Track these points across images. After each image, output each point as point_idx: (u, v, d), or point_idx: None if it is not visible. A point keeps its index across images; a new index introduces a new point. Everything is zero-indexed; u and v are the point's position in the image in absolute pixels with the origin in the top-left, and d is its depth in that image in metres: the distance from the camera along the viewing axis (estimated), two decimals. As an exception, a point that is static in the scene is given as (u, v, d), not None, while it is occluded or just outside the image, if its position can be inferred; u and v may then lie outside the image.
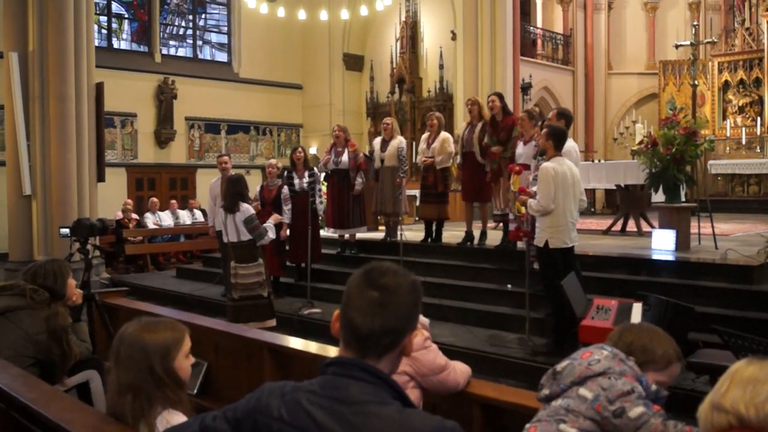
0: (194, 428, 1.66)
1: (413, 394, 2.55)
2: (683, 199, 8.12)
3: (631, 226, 10.02)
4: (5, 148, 10.46)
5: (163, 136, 16.20)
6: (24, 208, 9.98)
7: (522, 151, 7.32)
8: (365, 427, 1.44)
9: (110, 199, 13.46)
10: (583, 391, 1.96)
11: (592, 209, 15.39)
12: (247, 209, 6.82)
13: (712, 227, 8.01)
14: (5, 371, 2.95)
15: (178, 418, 2.17)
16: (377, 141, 9.27)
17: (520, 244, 7.56)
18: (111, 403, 2.33)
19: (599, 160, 15.22)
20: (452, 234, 9.20)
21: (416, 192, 9.45)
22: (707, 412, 1.50)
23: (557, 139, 5.84)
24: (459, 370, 2.78)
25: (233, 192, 6.85)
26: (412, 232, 9.69)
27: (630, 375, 1.87)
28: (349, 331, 1.53)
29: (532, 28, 17.68)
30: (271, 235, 6.93)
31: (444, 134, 8.70)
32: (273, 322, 7.06)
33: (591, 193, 14.76)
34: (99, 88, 10.62)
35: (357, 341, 1.53)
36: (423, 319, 2.66)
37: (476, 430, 2.40)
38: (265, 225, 6.91)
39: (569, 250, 5.93)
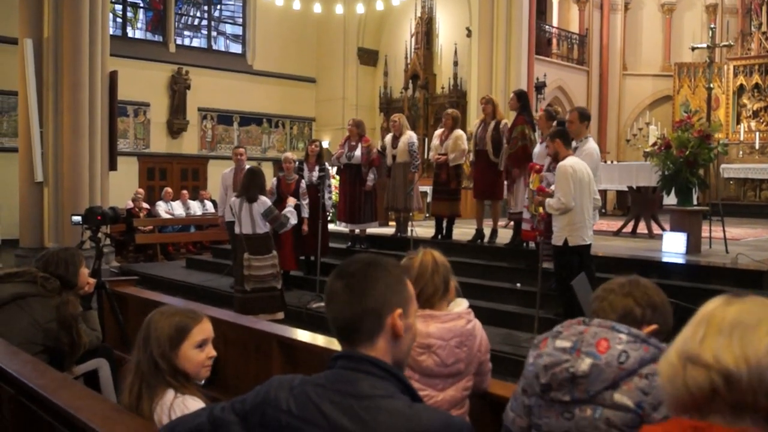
0: (202, 419, 1.67)
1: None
2: (695, 202, 8.09)
3: (642, 228, 9.98)
4: (18, 135, 10.51)
5: (175, 127, 16.22)
6: (35, 194, 10.02)
7: (537, 150, 7.32)
8: (374, 421, 1.44)
9: (121, 188, 13.51)
10: (619, 396, 1.78)
11: (603, 210, 15.30)
12: (264, 201, 6.90)
13: (723, 231, 7.97)
14: (15, 357, 2.96)
15: (196, 404, 2.17)
16: (388, 137, 9.27)
17: (532, 243, 7.55)
18: (122, 384, 2.35)
19: (611, 161, 15.14)
20: (463, 231, 9.19)
21: (429, 188, 9.43)
22: (674, 367, 1.09)
23: (564, 137, 5.87)
24: None
25: (255, 184, 6.94)
26: (423, 228, 9.68)
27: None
28: (332, 323, 1.57)
29: (547, 26, 17.59)
30: (293, 220, 7.04)
31: (458, 131, 8.67)
32: (281, 315, 7.09)
33: (602, 194, 14.67)
34: (113, 76, 10.64)
35: (339, 333, 1.57)
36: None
37: (484, 427, 2.40)
38: (284, 212, 6.99)
39: (586, 248, 5.92)
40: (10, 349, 3.10)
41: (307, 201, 8.38)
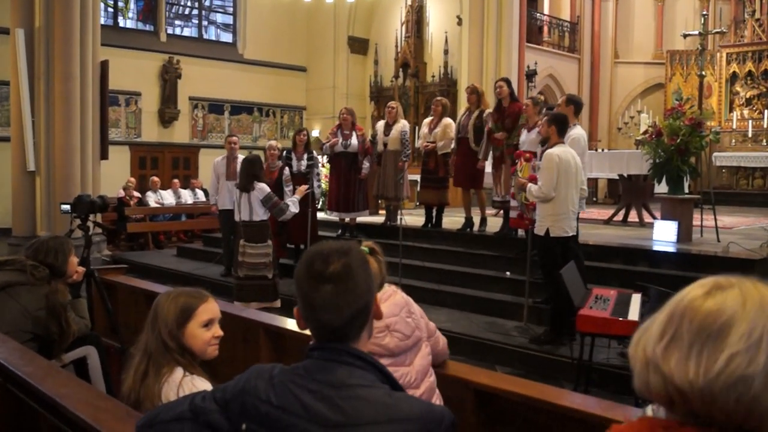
0: (184, 407, 1.67)
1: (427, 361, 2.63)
2: (686, 190, 8.12)
3: (633, 216, 10.01)
4: (10, 124, 10.49)
5: (166, 116, 16.17)
6: (28, 183, 10.01)
7: (525, 138, 7.31)
8: (354, 410, 1.44)
9: (114, 177, 13.47)
10: None
11: (594, 198, 15.36)
12: (263, 188, 6.90)
13: (715, 220, 8.00)
14: (3, 345, 2.97)
15: (204, 384, 2.21)
16: (380, 125, 9.28)
17: (521, 232, 7.57)
18: (127, 365, 2.38)
19: (602, 149, 15.17)
20: (453, 220, 9.21)
21: (418, 177, 9.44)
22: (641, 364, 1.02)
23: (560, 125, 5.84)
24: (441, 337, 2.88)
25: (249, 172, 6.93)
26: (413, 217, 9.70)
27: None
28: (321, 328, 1.53)
29: (538, 14, 17.53)
30: (293, 209, 7.00)
31: (446, 120, 8.70)
32: (277, 303, 7.11)
33: (593, 182, 14.73)
34: (104, 66, 10.61)
35: (333, 334, 1.53)
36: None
37: (468, 414, 2.42)
38: (287, 200, 7.00)
39: (569, 238, 5.93)
40: (-2, 338, 3.11)
41: (290, 188, 8.40)
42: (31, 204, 10.01)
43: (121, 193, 13.33)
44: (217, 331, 2.40)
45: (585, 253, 6.62)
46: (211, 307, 2.39)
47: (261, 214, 6.91)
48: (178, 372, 2.25)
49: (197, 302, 2.36)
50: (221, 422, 1.59)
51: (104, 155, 10.73)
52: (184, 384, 2.20)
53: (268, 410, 1.50)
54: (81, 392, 2.34)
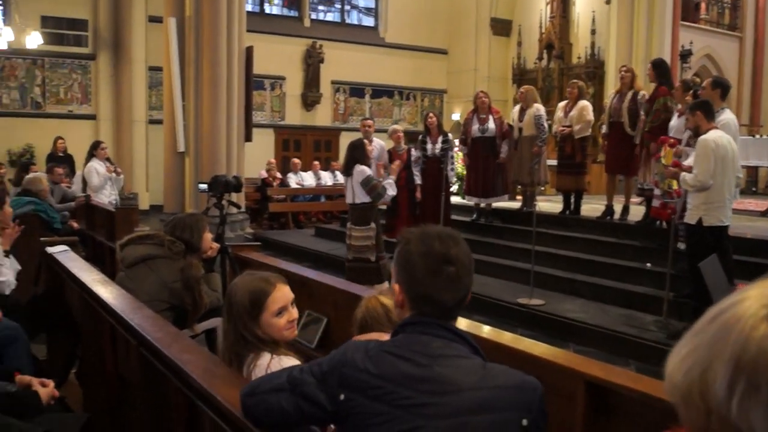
0: (282, 379, 1.73)
1: None
2: None
3: (795, 208, 9.21)
4: (163, 108, 11.20)
5: (309, 99, 16.67)
6: (178, 164, 10.67)
7: (674, 123, 6.89)
8: (453, 376, 1.53)
9: (259, 158, 14.12)
10: None
11: (754, 189, 14.26)
12: (363, 171, 6.84)
13: None
14: (139, 312, 3.17)
15: (292, 362, 2.23)
16: (516, 110, 9.07)
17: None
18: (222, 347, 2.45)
19: (762, 136, 14.01)
20: (593, 207, 8.85)
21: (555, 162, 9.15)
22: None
23: (705, 109, 5.46)
24: None
25: (348, 156, 7.00)
26: (551, 203, 9.43)
27: None
28: (433, 305, 1.62)
29: (696, -10, 16.45)
30: (391, 191, 6.96)
31: (582, 102, 8.35)
32: (385, 285, 7.12)
33: (753, 171, 13.68)
34: (249, 52, 11.07)
35: (443, 312, 1.62)
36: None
37: (579, 406, 2.33)
38: (383, 183, 6.95)
39: (723, 229, 5.53)
40: (135, 305, 3.33)
41: (419, 168, 8.41)
42: (180, 183, 10.66)
43: (264, 174, 13.90)
44: (291, 315, 2.37)
45: (737, 247, 6.14)
46: (280, 295, 2.34)
47: (362, 197, 6.86)
48: (265, 356, 2.26)
49: (268, 290, 2.32)
50: (317, 394, 1.65)
51: (248, 137, 11.23)
52: (272, 366, 2.21)
53: (367, 378, 1.58)
54: (201, 359, 2.44)
